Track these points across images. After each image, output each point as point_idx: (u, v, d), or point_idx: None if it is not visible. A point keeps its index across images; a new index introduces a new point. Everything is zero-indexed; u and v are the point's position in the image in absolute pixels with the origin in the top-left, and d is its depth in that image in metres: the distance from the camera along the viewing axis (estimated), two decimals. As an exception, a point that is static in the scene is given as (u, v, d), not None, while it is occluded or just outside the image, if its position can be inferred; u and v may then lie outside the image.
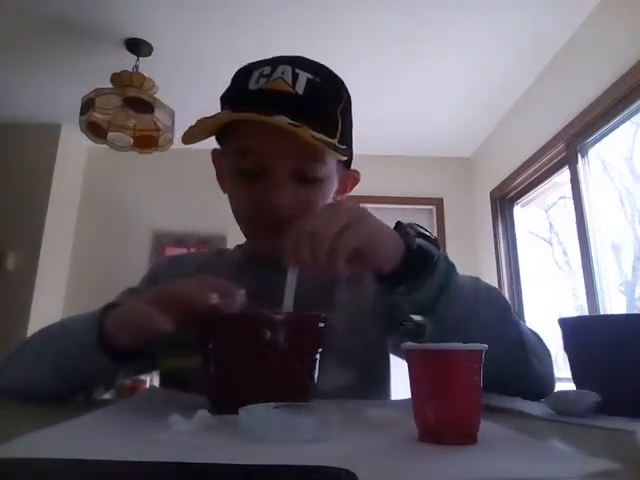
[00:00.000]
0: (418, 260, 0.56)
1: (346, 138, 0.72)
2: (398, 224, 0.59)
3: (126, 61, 2.50)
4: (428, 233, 0.59)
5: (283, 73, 0.67)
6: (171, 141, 2.56)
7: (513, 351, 0.62)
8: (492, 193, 3.31)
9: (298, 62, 0.70)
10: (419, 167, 3.72)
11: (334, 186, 0.75)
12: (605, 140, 2.28)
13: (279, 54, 0.74)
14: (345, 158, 0.71)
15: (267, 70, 0.68)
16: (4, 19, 2.35)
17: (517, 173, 2.95)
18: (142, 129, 2.52)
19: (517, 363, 0.62)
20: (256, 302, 0.54)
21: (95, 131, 2.46)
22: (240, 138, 0.69)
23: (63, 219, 3.45)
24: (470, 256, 3.52)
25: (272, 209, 0.67)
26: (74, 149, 3.51)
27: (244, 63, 0.75)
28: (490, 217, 3.30)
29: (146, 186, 3.61)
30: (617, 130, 2.21)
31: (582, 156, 2.37)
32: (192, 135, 0.67)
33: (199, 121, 0.66)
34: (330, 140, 0.66)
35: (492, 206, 3.31)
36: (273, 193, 0.67)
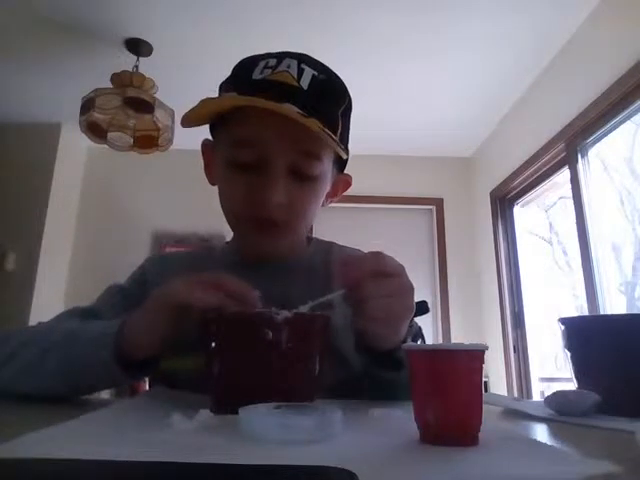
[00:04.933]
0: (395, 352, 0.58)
1: (344, 140, 0.71)
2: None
3: (126, 61, 2.50)
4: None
5: (289, 67, 0.66)
6: (171, 141, 2.57)
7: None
8: (492, 193, 3.31)
9: (304, 58, 0.69)
10: (419, 167, 3.72)
11: (327, 187, 0.74)
12: (605, 140, 2.28)
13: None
14: (346, 157, 0.70)
15: (273, 62, 0.67)
16: (4, 19, 2.35)
17: (517, 173, 2.95)
18: (142, 129, 2.52)
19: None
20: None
21: (95, 131, 2.46)
22: (239, 128, 0.67)
23: (63, 219, 3.45)
24: (470, 256, 3.52)
25: (266, 205, 0.66)
26: (74, 149, 3.51)
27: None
28: (490, 217, 3.30)
29: (146, 186, 3.61)
30: (617, 130, 2.21)
31: (582, 156, 2.37)
32: (192, 117, 0.66)
33: (203, 101, 0.64)
34: (334, 135, 0.65)
35: (492, 206, 3.31)
36: (269, 189, 0.65)
